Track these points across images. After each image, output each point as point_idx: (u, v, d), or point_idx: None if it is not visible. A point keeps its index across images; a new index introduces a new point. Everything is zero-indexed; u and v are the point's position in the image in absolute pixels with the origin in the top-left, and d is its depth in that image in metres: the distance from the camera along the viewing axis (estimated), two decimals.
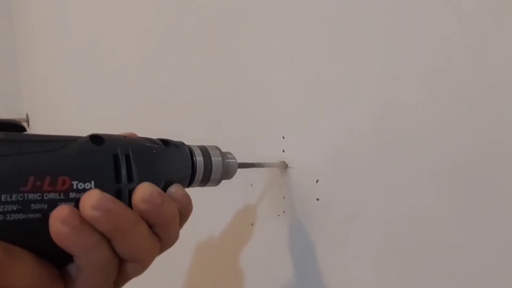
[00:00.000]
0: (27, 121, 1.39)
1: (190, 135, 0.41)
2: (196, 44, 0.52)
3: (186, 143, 0.31)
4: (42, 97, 1.31)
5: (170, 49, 0.59)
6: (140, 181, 0.25)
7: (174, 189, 0.27)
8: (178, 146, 0.30)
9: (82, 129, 0.93)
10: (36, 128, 1.37)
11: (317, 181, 0.38)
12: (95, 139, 0.25)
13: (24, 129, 0.25)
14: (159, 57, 0.62)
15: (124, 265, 0.25)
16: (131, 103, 0.75)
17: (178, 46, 0.57)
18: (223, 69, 0.48)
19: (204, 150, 0.32)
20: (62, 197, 0.22)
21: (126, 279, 0.26)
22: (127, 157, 0.25)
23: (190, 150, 0.31)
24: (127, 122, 0.77)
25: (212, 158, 0.32)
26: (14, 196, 0.21)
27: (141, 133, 0.29)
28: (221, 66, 0.48)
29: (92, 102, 0.96)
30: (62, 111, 1.18)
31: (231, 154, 0.35)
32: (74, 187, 0.22)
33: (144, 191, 0.24)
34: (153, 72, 0.65)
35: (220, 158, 0.32)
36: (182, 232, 0.28)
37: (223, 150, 0.34)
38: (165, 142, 0.29)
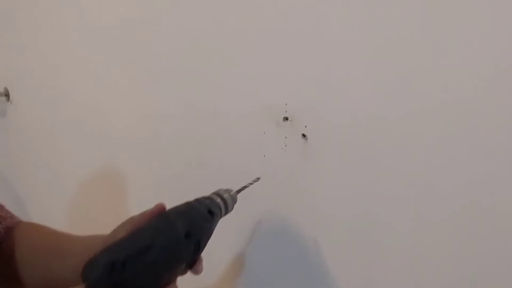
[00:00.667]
0: (7, 95, 1.50)
1: None
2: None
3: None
4: (22, 69, 1.42)
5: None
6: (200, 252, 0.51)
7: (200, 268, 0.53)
8: (217, 215, 0.53)
9: (67, 103, 1.12)
10: (18, 102, 1.49)
11: (306, 126, 0.68)
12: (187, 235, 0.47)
13: None
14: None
15: None
16: (117, 73, 0.95)
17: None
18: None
19: (224, 202, 0.55)
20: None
21: None
22: (199, 241, 0.49)
23: (220, 208, 0.55)
24: (113, 94, 0.98)
25: (228, 203, 0.56)
26: None
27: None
28: None
29: (79, 73, 1.14)
30: (45, 83, 1.33)
31: (231, 189, 0.58)
32: None
33: (202, 266, 0.52)
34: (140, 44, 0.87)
35: (231, 199, 0.56)
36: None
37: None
38: (211, 213, 0.52)
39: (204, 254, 0.53)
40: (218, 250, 0.85)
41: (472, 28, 0.53)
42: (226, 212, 0.57)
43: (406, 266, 0.63)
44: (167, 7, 0.85)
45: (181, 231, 0.46)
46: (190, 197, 0.83)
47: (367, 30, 0.61)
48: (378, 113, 0.61)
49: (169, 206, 0.77)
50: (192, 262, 0.50)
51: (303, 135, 0.69)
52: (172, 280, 0.47)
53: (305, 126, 0.68)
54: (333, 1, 0.63)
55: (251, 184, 0.66)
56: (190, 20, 0.81)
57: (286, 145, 0.71)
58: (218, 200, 0.56)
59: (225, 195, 0.57)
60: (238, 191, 0.61)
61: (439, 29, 0.55)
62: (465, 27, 0.54)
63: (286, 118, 0.70)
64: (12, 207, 0.67)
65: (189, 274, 0.54)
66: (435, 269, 0.60)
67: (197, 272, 0.52)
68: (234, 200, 0.59)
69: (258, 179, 0.68)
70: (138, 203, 1.01)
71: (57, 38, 1.22)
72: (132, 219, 0.55)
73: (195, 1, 0.79)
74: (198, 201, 0.54)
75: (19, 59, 1.42)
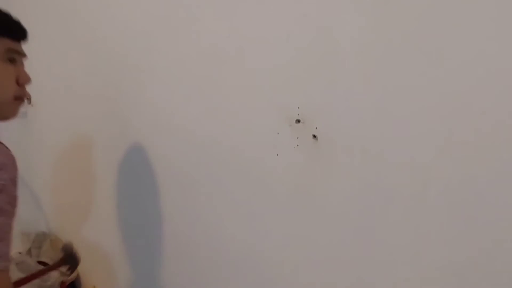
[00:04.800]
0: (29, 98, 1.57)
1: None
2: None
3: None
4: (42, 72, 1.49)
5: None
6: None
7: None
8: None
9: (86, 105, 1.19)
10: (38, 104, 1.57)
11: (316, 128, 0.75)
12: None
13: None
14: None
15: None
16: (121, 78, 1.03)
17: None
18: None
19: None
20: None
21: None
22: None
23: None
24: (132, 96, 1.05)
25: None
26: None
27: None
28: None
29: (95, 74, 1.21)
30: (64, 86, 1.40)
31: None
32: None
33: None
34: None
35: None
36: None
37: None
38: None
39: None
40: (229, 244, 0.91)
41: (471, 33, 0.60)
42: None
43: (410, 264, 0.69)
44: (182, 12, 0.92)
45: None
46: (213, 192, 0.89)
47: (375, 35, 0.67)
48: (386, 115, 0.68)
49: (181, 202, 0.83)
50: None
51: (314, 136, 0.76)
52: None
53: (316, 128, 0.75)
54: (344, 9, 0.70)
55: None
56: (207, 26, 0.88)
57: (298, 145, 0.78)
58: None
59: None
60: None
61: (441, 34, 0.62)
62: (466, 32, 0.60)
63: (298, 121, 0.77)
64: (29, 206, 0.74)
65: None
66: (441, 266, 0.66)
67: None
68: None
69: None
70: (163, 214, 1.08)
71: (76, 40, 1.29)
72: None
73: (211, 6, 0.86)
74: None
75: (39, 62, 1.49)
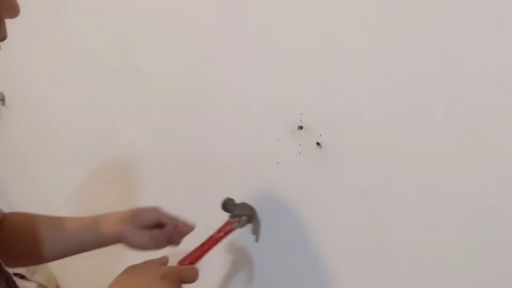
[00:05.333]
0: (3, 99, 1.48)
1: None
2: None
3: None
4: (17, 74, 1.41)
5: None
6: None
7: None
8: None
9: (61, 109, 1.13)
10: (13, 107, 1.48)
11: (320, 135, 0.71)
12: None
13: None
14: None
15: None
16: (108, 82, 0.96)
17: None
18: None
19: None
20: None
21: None
22: None
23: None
24: (104, 99, 0.99)
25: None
26: None
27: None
28: None
29: (72, 80, 1.14)
30: (41, 91, 1.32)
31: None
32: None
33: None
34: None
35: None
36: None
37: None
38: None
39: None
40: (228, 256, 0.87)
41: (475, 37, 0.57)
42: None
43: (416, 272, 0.66)
44: (181, 8, 0.86)
45: None
46: (203, 202, 0.84)
47: (381, 40, 0.64)
48: (393, 122, 0.64)
49: (180, 212, 0.79)
50: None
51: (318, 144, 0.71)
52: None
53: (320, 135, 0.71)
54: (347, 14, 0.66)
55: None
56: (204, 26, 0.83)
57: (300, 153, 0.74)
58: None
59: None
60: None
61: (448, 38, 0.59)
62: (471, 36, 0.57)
63: (300, 127, 0.73)
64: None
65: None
66: (446, 274, 0.63)
67: None
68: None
69: None
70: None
71: (52, 42, 1.21)
72: (156, 209, 0.68)
73: (214, 6, 0.81)
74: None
75: (14, 64, 1.40)
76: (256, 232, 0.71)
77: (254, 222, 0.73)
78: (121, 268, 0.57)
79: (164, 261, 0.60)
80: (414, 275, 0.66)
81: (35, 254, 0.66)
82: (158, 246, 0.68)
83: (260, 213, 0.79)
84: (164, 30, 0.89)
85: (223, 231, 0.68)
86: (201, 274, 0.59)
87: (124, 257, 0.73)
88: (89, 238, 0.67)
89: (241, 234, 0.79)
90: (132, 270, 0.56)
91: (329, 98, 0.69)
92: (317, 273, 0.75)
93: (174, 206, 0.73)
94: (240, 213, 0.72)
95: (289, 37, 0.72)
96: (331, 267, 0.73)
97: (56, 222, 0.68)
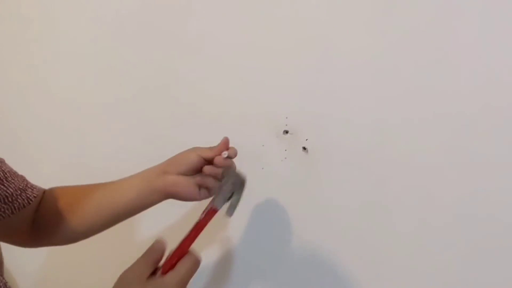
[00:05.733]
0: None
1: None
2: None
3: None
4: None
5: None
6: None
7: None
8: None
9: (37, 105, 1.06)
10: None
11: (306, 139, 0.69)
12: None
13: None
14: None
15: None
16: (97, 76, 0.90)
17: None
18: None
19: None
20: None
21: None
22: None
23: None
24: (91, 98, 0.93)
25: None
26: None
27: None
28: None
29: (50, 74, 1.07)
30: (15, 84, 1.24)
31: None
32: None
33: None
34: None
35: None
36: None
37: None
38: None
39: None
40: (219, 264, 0.83)
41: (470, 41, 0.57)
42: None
43: (406, 278, 0.65)
44: (170, 12, 0.82)
45: None
46: (185, 208, 0.80)
47: (367, 44, 0.63)
48: (380, 126, 0.64)
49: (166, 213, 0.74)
50: None
51: (304, 148, 0.69)
52: None
53: (306, 139, 0.69)
54: (334, 19, 0.65)
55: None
56: (188, 31, 0.79)
57: (285, 158, 0.71)
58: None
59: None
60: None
61: (443, 46, 0.58)
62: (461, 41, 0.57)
63: (286, 131, 0.70)
64: None
65: None
66: (436, 276, 0.63)
67: None
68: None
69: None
70: None
71: (26, 38, 1.14)
72: (192, 148, 0.60)
73: (200, 9, 0.77)
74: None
75: None
76: (234, 205, 0.60)
77: (239, 194, 0.62)
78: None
79: (156, 257, 0.49)
80: (401, 276, 0.65)
81: (76, 228, 0.61)
82: (208, 188, 0.60)
83: (246, 221, 0.77)
84: (145, 32, 0.85)
85: (205, 213, 0.57)
86: None
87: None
88: (136, 200, 0.60)
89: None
90: None
91: (315, 101, 0.68)
92: (305, 275, 0.73)
93: (161, 208, 0.69)
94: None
95: (274, 42, 0.70)
96: (319, 269, 0.72)
97: (97, 188, 0.62)
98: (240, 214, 0.77)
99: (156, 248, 0.49)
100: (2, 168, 0.55)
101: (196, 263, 0.50)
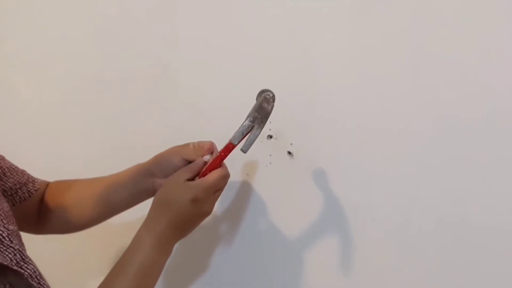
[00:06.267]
0: None
1: None
2: None
3: None
4: None
5: None
6: None
7: None
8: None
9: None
10: None
11: (291, 144, 0.68)
12: None
13: None
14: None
15: None
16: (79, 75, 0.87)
17: None
18: None
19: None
20: None
21: None
22: None
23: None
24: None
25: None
26: None
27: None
28: None
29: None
30: None
31: None
32: None
33: None
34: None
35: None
36: None
37: None
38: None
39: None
40: (209, 269, 0.82)
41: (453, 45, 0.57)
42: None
43: (391, 278, 0.65)
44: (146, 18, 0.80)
45: None
46: None
47: (351, 48, 0.63)
48: (365, 130, 0.64)
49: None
50: None
51: (289, 153, 0.69)
52: None
53: (291, 144, 0.69)
54: (317, 24, 0.64)
55: None
56: (176, 31, 0.77)
57: (270, 163, 0.71)
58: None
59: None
60: None
61: (421, 41, 0.59)
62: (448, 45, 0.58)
63: (270, 136, 0.70)
64: None
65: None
66: (420, 275, 0.63)
67: None
68: None
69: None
70: None
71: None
72: (175, 148, 0.62)
73: (180, 12, 0.75)
74: None
75: None
76: (251, 141, 0.58)
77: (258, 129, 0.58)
78: None
79: (194, 168, 0.57)
80: (387, 276, 0.66)
81: (78, 219, 0.66)
82: None
83: (232, 226, 0.75)
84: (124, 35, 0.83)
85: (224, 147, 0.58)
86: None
87: None
88: (128, 199, 0.64)
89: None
90: (159, 207, 0.55)
91: (298, 106, 0.67)
92: (291, 282, 0.73)
93: None
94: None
95: (257, 45, 0.69)
96: (305, 274, 0.71)
97: (93, 183, 0.67)
98: (225, 220, 0.76)
99: (196, 162, 0.58)
100: (1, 164, 0.59)
101: (224, 174, 0.57)
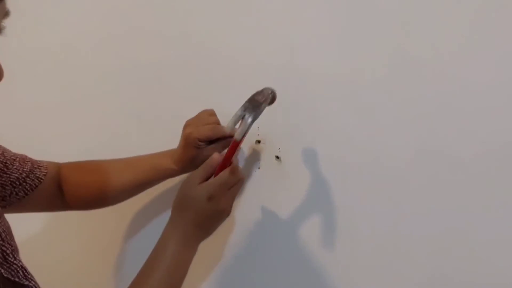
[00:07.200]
0: None
1: None
2: None
3: None
4: None
5: None
6: None
7: None
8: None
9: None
10: None
11: (279, 148, 0.69)
12: None
13: None
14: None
15: None
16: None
17: None
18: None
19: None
20: None
21: None
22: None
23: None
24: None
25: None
26: None
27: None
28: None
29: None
30: None
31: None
32: None
33: None
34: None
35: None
36: None
37: None
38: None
39: None
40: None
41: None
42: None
43: (379, 279, 0.67)
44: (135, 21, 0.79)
45: None
46: (159, 214, 0.78)
47: (335, 53, 0.64)
48: (350, 133, 0.64)
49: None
50: None
51: (277, 157, 0.69)
52: None
53: (279, 148, 0.69)
54: (303, 25, 0.65)
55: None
56: (162, 33, 0.77)
57: (259, 168, 0.71)
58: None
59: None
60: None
61: (407, 45, 0.60)
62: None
63: (258, 141, 0.70)
64: None
65: None
66: (407, 277, 0.64)
67: None
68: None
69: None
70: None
71: None
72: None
73: (170, 15, 0.75)
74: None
75: None
76: (243, 129, 0.59)
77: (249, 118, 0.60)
78: None
79: (208, 169, 0.59)
80: (375, 276, 0.67)
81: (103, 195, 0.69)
82: None
83: (218, 232, 0.76)
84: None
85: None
86: None
87: None
88: (155, 176, 0.69)
89: None
90: (179, 209, 0.57)
91: (286, 110, 0.68)
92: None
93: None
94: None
95: (243, 49, 0.69)
96: (295, 278, 0.72)
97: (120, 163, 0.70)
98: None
99: (209, 163, 0.59)
100: (1, 159, 0.60)
101: (233, 170, 0.58)
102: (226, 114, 0.64)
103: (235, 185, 0.59)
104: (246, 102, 0.61)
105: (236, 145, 0.59)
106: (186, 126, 0.66)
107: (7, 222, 0.52)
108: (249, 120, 0.59)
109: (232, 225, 0.74)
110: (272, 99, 0.61)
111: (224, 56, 0.71)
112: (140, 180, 0.69)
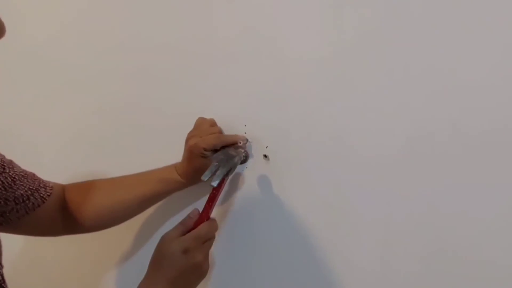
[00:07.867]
0: None
1: None
2: None
3: None
4: None
5: None
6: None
7: None
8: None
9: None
10: None
11: (267, 147, 0.68)
12: None
13: None
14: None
15: None
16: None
17: None
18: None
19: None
20: None
21: None
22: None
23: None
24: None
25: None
26: None
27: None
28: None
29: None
30: None
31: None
32: None
33: None
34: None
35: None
36: None
37: None
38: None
39: None
40: None
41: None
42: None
43: (367, 278, 0.65)
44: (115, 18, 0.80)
45: None
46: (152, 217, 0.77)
47: (325, 51, 0.63)
48: (339, 130, 0.63)
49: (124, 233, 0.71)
50: None
51: (265, 156, 0.68)
52: None
53: (266, 147, 0.68)
54: (291, 25, 0.64)
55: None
56: (146, 41, 0.77)
57: (247, 167, 0.70)
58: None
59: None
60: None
61: (393, 44, 0.59)
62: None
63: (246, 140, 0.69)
64: None
65: None
66: (395, 274, 0.62)
67: None
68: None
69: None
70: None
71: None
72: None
73: (150, 17, 0.75)
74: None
75: None
76: (218, 175, 0.62)
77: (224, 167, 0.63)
78: None
79: (188, 224, 0.60)
80: (362, 276, 0.65)
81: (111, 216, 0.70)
82: None
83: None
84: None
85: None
86: None
87: None
88: (161, 191, 0.70)
89: None
90: (155, 265, 0.57)
91: (273, 109, 0.67)
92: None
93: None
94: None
95: (230, 48, 0.69)
96: (282, 280, 0.71)
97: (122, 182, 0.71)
98: None
99: (189, 217, 0.60)
100: (10, 174, 0.58)
101: (211, 224, 0.61)
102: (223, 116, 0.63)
103: (209, 239, 0.60)
104: (222, 154, 0.64)
105: (214, 197, 0.62)
106: (189, 138, 0.66)
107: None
108: (224, 170, 0.61)
109: (220, 224, 0.73)
110: (245, 158, 0.67)
111: (210, 56, 0.70)
112: (149, 194, 0.69)
